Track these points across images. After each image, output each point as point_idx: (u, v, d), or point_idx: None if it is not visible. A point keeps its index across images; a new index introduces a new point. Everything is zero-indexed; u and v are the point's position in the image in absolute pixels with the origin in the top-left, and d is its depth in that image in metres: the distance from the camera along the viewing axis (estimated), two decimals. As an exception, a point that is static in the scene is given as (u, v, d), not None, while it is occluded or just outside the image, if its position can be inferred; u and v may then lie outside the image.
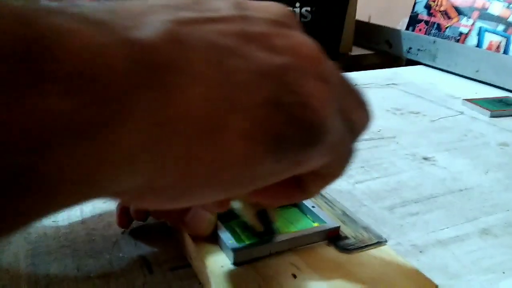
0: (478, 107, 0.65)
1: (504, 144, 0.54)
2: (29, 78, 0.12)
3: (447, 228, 0.36)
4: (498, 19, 0.86)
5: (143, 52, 0.14)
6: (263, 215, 0.28)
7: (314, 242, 0.30)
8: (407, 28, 1.02)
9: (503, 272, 0.31)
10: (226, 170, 0.17)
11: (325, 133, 0.18)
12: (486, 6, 0.88)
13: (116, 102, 0.14)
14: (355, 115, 0.21)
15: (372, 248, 0.29)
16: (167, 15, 0.16)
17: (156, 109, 0.15)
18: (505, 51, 0.84)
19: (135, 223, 0.34)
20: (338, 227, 0.31)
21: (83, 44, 0.13)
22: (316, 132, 0.18)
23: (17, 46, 0.12)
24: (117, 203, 0.33)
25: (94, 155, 0.14)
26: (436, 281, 0.27)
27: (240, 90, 0.16)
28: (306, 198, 0.25)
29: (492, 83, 0.79)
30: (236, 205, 0.29)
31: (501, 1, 0.86)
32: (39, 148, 0.12)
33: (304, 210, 0.33)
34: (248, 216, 0.29)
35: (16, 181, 0.12)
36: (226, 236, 0.28)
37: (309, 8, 0.93)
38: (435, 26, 0.97)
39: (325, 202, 0.35)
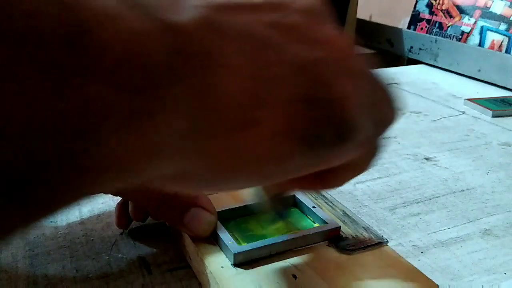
0: (480, 106, 0.64)
1: (506, 144, 0.53)
2: (77, 64, 0.12)
3: (449, 228, 0.36)
4: (500, 18, 0.86)
5: (182, 40, 0.14)
6: (279, 199, 0.28)
7: (314, 243, 0.29)
8: (408, 27, 1.02)
9: (505, 273, 0.31)
10: (259, 162, 0.17)
11: (355, 129, 0.18)
12: (488, 5, 0.88)
13: (158, 89, 0.13)
14: (382, 110, 0.21)
15: (373, 249, 0.29)
16: (203, 0, 0.16)
17: (193, 98, 0.14)
18: (507, 50, 0.84)
19: (134, 224, 0.34)
20: (339, 228, 0.30)
21: (126, 30, 0.13)
22: (347, 129, 0.18)
23: (61, 29, 0.11)
24: (116, 204, 0.33)
25: (138, 142, 0.14)
26: (438, 282, 0.27)
27: (275, 84, 0.16)
28: (330, 189, 0.25)
29: (494, 82, 0.78)
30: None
31: (503, 0, 0.86)
32: (90, 134, 0.12)
33: (304, 211, 0.32)
34: (264, 198, 0.28)
35: (68, 163, 0.12)
36: (226, 237, 0.28)
37: (310, 7, 0.92)
38: (437, 25, 0.97)
39: (326, 203, 0.35)
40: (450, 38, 0.93)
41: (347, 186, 0.42)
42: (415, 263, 0.29)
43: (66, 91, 0.11)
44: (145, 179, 0.16)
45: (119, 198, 0.33)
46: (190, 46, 0.14)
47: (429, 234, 0.35)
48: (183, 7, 0.15)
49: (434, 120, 0.61)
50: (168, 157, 0.15)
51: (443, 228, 0.36)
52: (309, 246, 0.29)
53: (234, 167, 0.17)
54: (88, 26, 0.12)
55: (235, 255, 0.27)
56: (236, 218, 0.31)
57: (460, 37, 0.91)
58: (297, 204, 0.33)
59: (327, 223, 0.30)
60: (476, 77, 0.82)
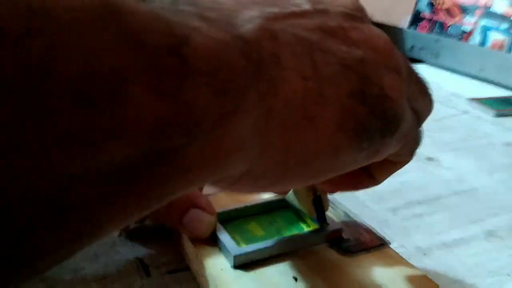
0: (483, 106, 0.64)
1: (510, 144, 0.53)
2: (177, 72, 0.13)
3: (452, 230, 0.36)
4: (502, 17, 0.86)
5: (252, 48, 0.15)
6: (318, 203, 0.29)
7: (315, 244, 0.29)
8: (409, 27, 1.02)
9: (508, 275, 0.31)
10: (316, 158, 0.18)
11: (402, 121, 0.20)
12: (490, 4, 0.88)
13: (236, 95, 0.15)
14: (420, 103, 0.22)
15: (375, 251, 0.29)
16: (258, 11, 0.17)
17: (263, 100, 0.16)
18: (509, 50, 0.83)
19: (132, 225, 0.33)
20: (340, 229, 0.30)
21: (210, 40, 0.14)
22: (395, 121, 0.19)
23: (164, 40, 0.13)
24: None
25: (225, 140, 0.15)
26: (441, 284, 0.27)
27: (329, 82, 0.17)
28: (373, 185, 0.26)
29: (496, 81, 0.78)
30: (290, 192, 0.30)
31: (505, -1, 0.86)
32: (186, 136, 0.13)
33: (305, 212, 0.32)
34: (303, 202, 0.30)
35: (157, 163, 0.13)
36: (226, 239, 0.28)
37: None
38: (438, 24, 0.96)
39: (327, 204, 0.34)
40: (452, 38, 0.92)
41: (348, 187, 0.41)
42: (418, 265, 0.29)
43: (167, 96, 0.12)
44: (214, 179, 0.17)
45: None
46: (259, 52, 0.16)
47: (432, 235, 0.35)
48: (242, 20, 0.16)
49: (436, 120, 0.61)
50: (238, 158, 0.16)
51: (446, 230, 0.36)
52: (310, 248, 0.29)
53: (294, 163, 0.18)
54: (183, 38, 0.13)
55: (235, 257, 0.27)
56: (236, 220, 0.31)
57: (461, 36, 0.91)
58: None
59: (328, 224, 0.30)
60: (478, 76, 0.81)
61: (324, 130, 0.17)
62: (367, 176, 0.24)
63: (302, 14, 0.18)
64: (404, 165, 0.24)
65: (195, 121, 0.13)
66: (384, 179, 0.25)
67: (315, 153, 0.18)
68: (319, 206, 0.29)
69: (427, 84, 0.23)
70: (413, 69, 0.22)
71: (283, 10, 0.18)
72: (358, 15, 0.20)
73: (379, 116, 0.19)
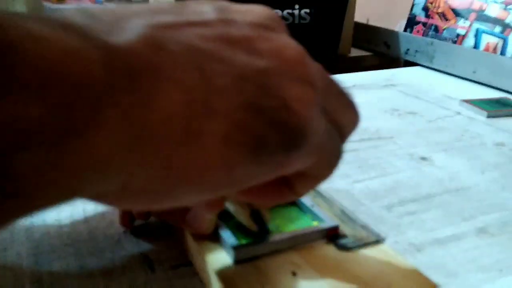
0: (475, 107, 0.65)
1: (501, 144, 0.54)
2: (1, 77, 0.12)
3: (444, 227, 0.36)
4: (495, 21, 0.87)
5: (119, 57, 0.15)
6: (257, 216, 0.28)
7: (313, 241, 0.30)
8: (405, 30, 1.03)
9: (500, 270, 0.31)
10: (205, 173, 0.17)
11: (307, 135, 0.18)
12: (483, 7, 0.89)
13: (89, 108, 0.14)
14: (342, 116, 0.21)
15: (370, 247, 0.30)
16: (146, 20, 0.16)
17: (133, 114, 0.15)
18: (502, 53, 0.85)
19: (137, 222, 0.34)
20: (337, 226, 0.31)
21: (54, 49, 0.13)
22: (298, 135, 0.18)
23: None
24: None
25: (67, 160, 0.14)
26: (433, 279, 0.27)
27: (220, 94, 0.16)
28: (295, 198, 0.25)
29: (489, 84, 0.79)
30: (230, 206, 0.30)
31: (498, 3, 0.87)
32: (9, 151, 0.12)
33: (303, 209, 0.33)
34: (242, 217, 0.29)
35: None
36: (226, 235, 0.29)
37: (308, 10, 0.93)
38: (433, 27, 0.97)
39: (324, 201, 0.35)
40: (446, 41, 0.94)
41: (344, 185, 0.42)
42: (411, 261, 0.29)
43: None
44: (88, 195, 0.16)
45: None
46: (129, 62, 0.15)
47: (425, 232, 0.36)
48: (123, 28, 0.15)
49: (430, 121, 0.62)
50: (104, 175, 0.15)
51: (439, 227, 0.36)
52: (308, 244, 0.30)
53: (180, 178, 0.17)
54: (12, 44, 0.12)
55: (236, 252, 0.27)
56: (234, 218, 0.32)
57: (456, 39, 0.92)
58: (296, 202, 0.34)
59: (325, 221, 0.31)
60: (471, 78, 0.83)
61: (211, 144, 0.16)
62: (287, 189, 0.23)
63: (201, 23, 0.18)
64: (324, 179, 0.23)
65: (26, 135, 0.12)
66: (305, 193, 0.24)
67: (203, 167, 0.17)
68: (259, 219, 0.28)
69: (350, 97, 0.22)
70: (334, 81, 0.21)
71: (178, 19, 0.17)
72: (270, 24, 0.19)
73: (278, 129, 0.17)
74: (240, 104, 0.17)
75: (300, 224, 0.31)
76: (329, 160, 0.22)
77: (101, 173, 0.15)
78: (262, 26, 0.19)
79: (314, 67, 0.19)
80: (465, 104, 0.67)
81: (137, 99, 0.15)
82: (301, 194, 0.24)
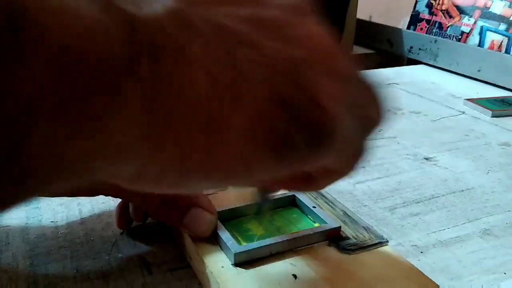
0: (480, 106, 0.64)
1: (506, 144, 0.53)
2: (15, 49, 0.11)
3: (448, 228, 0.36)
4: (500, 18, 0.86)
5: (143, 32, 0.13)
6: (262, 192, 0.27)
7: (314, 243, 0.30)
8: (408, 27, 1.02)
9: (505, 273, 0.31)
10: (222, 166, 0.16)
11: (333, 133, 0.17)
12: (488, 5, 0.88)
13: (107, 88, 0.13)
14: (367, 112, 0.20)
15: (373, 249, 0.29)
16: None
17: (153, 97, 0.14)
18: (507, 51, 0.84)
19: (134, 224, 0.34)
20: (339, 228, 0.30)
21: (71, 23, 0.12)
22: (324, 134, 0.17)
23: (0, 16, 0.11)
24: (117, 204, 0.33)
25: (79, 141, 0.13)
26: (437, 281, 0.27)
27: (246, 82, 0.15)
28: (316, 189, 0.25)
29: (493, 82, 0.79)
30: None
31: (503, 0, 0.86)
32: (21, 129, 0.12)
33: (304, 210, 0.32)
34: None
35: (12, 150, 0.12)
36: (226, 237, 0.28)
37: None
38: (437, 25, 0.97)
39: (326, 202, 0.35)
40: (450, 38, 0.93)
41: (347, 186, 0.42)
42: (415, 263, 0.29)
43: (5, 75, 0.11)
44: (101, 177, 0.15)
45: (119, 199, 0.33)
46: (154, 39, 0.14)
47: (428, 234, 0.35)
48: (151, 1, 0.14)
49: (434, 120, 0.61)
50: (124, 159, 0.14)
51: (442, 228, 0.36)
52: (310, 246, 0.29)
53: (195, 170, 0.16)
54: (30, 19, 0.11)
55: (236, 255, 0.27)
56: (237, 218, 0.31)
57: (460, 37, 0.91)
58: (297, 204, 0.33)
59: (327, 223, 0.30)
60: (476, 77, 0.82)
61: (233, 137, 0.15)
62: (308, 181, 0.22)
63: (233, 1, 0.16)
64: (347, 174, 0.22)
65: (39, 112, 0.12)
66: (327, 186, 0.23)
67: (221, 162, 0.16)
68: (260, 196, 0.27)
69: (378, 93, 0.20)
70: (362, 75, 0.20)
71: None
72: (301, 8, 0.18)
73: (304, 127, 0.16)
74: (266, 95, 0.15)
75: (301, 226, 0.31)
76: (352, 157, 0.21)
77: (114, 159, 0.14)
78: (293, 8, 0.18)
79: (343, 59, 0.18)
80: (470, 103, 0.66)
81: (157, 82, 0.14)
82: (323, 187, 0.23)
